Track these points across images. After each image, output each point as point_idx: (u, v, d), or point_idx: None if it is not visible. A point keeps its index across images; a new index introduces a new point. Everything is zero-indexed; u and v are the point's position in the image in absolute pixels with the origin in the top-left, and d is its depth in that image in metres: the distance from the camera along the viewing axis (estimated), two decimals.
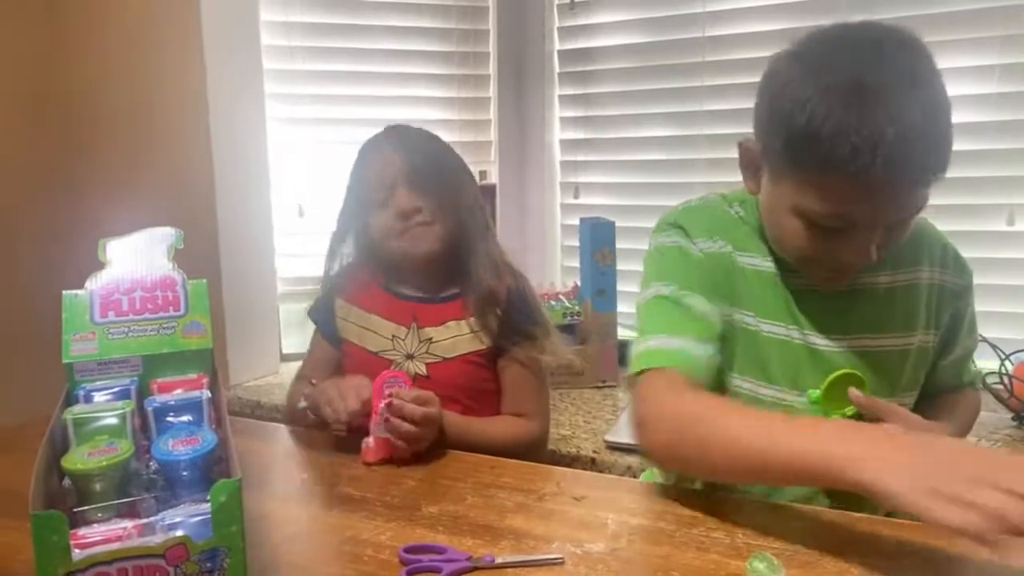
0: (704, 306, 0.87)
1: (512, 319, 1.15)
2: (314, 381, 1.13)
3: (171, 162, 1.72)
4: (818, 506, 0.86)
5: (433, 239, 1.13)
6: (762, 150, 0.87)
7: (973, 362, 1.07)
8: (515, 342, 1.16)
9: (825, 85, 0.76)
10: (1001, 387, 1.51)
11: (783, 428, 0.72)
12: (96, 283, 0.78)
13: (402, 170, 1.12)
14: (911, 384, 0.96)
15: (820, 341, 0.92)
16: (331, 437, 1.07)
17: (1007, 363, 1.53)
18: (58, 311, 0.76)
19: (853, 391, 0.85)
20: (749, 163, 0.90)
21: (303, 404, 1.10)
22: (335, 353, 1.23)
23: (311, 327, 1.28)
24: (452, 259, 1.16)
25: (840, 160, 0.74)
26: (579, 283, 1.99)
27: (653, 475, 1.10)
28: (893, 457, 0.63)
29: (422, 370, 1.14)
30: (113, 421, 0.67)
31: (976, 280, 1.77)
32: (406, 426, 0.97)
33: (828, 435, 0.68)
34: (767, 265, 0.93)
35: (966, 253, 1.74)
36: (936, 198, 1.90)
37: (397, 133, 1.18)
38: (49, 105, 1.66)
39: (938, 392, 1.02)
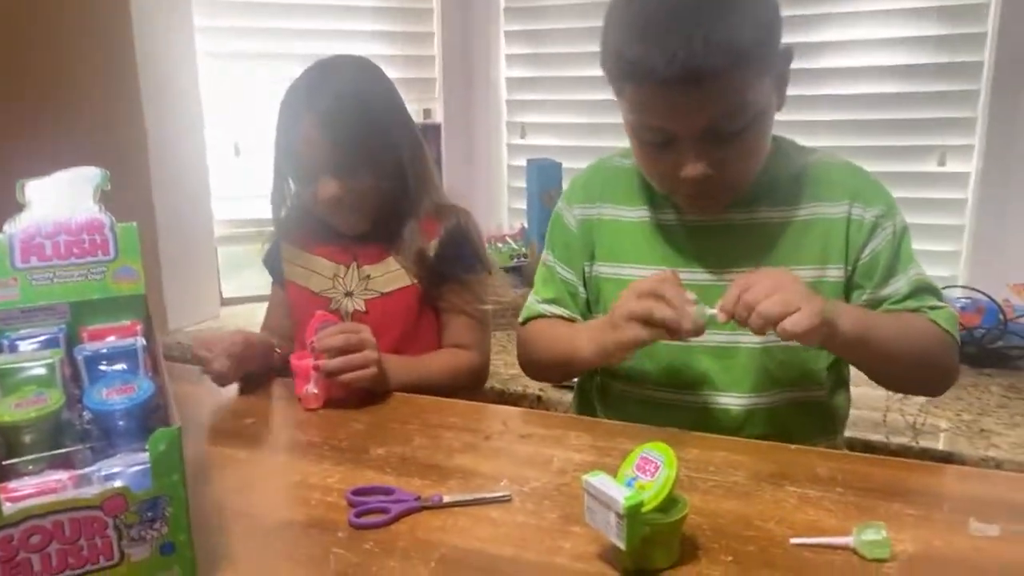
0: (568, 275, 1.05)
1: (445, 265, 1.14)
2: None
3: (96, 100, 1.63)
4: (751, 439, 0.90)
5: (359, 219, 1.13)
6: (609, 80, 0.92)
7: (934, 303, 0.95)
8: (450, 288, 1.16)
9: (627, 5, 0.85)
10: None
11: (574, 334, 0.97)
12: (15, 227, 0.74)
13: (327, 157, 1.06)
14: None
15: (694, 276, 0.95)
16: (278, 383, 1.06)
17: None
18: None
19: (717, 313, 0.81)
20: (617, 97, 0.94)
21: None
22: (286, 296, 1.23)
23: (251, 270, 1.26)
24: (387, 211, 1.14)
25: (641, 72, 0.82)
26: (526, 225, 1.99)
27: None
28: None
29: (360, 306, 1.14)
30: (41, 371, 0.65)
31: (907, 219, 1.83)
32: (333, 362, 0.97)
33: (590, 333, 0.92)
34: (641, 215, 1.00)
35: (897, 193, 1.79)
36: (869, 139, 1.94)
37: (321, 92, 1.07)
38: None
39: None
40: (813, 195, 0.96)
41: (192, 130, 1.85)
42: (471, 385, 1.16)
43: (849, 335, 0.83)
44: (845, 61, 1.81)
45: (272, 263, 1.25)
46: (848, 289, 0.96)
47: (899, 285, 0.95)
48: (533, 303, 1.08)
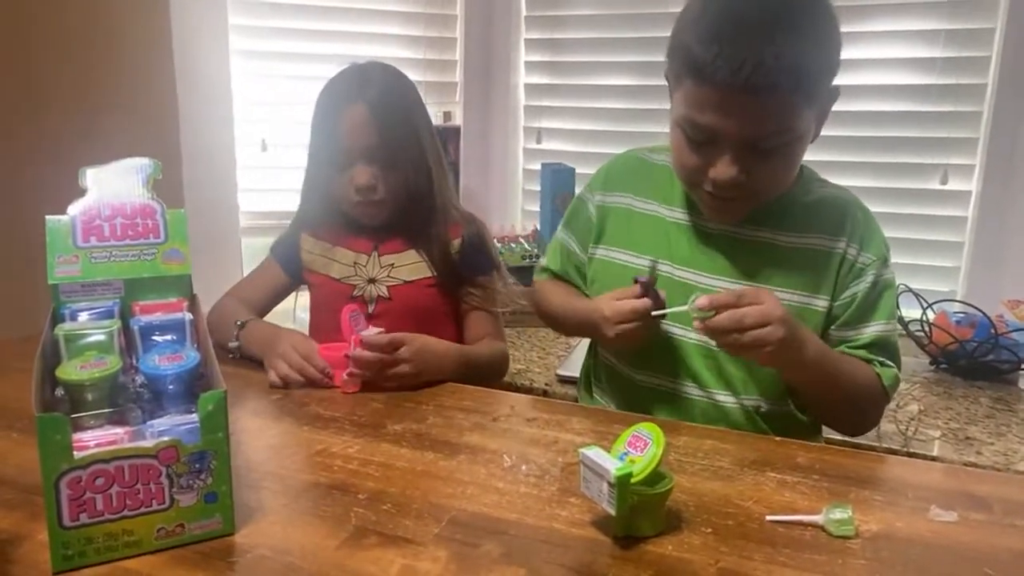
0: (577, 249, 1.17)
1: (465, 265, 1.23)
2: (240, 321, 1.17)
3: (135, 95, 1.71)
4: (744, 430, 0.97)
5: (384, 214, 1.20)
6: (667, 72, 0.98)
7: (888, 361, 1.00)
8: (469, 287, 1.24)
9: (706, 8, 0.90)
10: (922, 334, 1.64)
11: (571, 301, 1.12)
12: (77, 209, 0.81)
13: (366, 144, 1.14)
14: None
15: (692, 276, 1.02)
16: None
17: (929, 312, 1.66)
18: (24, 238, 0.79)
19: (700, 300, 0.88)
20: (670, 92, 1.00)
21: (235, 344, 1.15)
22: (285, 280, 1.30)
23: None
24: (410, 208, 1.21)
25: (706, 71, 0.86)
26: (539, 227, 2.06)
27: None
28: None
29: (384, 292, 1.21)
30: (101, 337, 0.72)
31: (908, 235, 1.89)
32: (368, 371, 1.02)
33: (585, 307, 1.06)
34: (655, 209, 1.08)
35: (900, 210, 1.85)
36: (874, 155, 2.00)
37: (368, 86, 1.15)
38: (7, 38, 1.62)
39: None
40: (818, 226, 1.00)
41: (222, 125, 1.93)
42: (503, 372, 1.25)
43: (809, 359, 0.90)
44: (853, 79, 1.87)
45: (288, 254, 1.29)
46: (828, 321, 1.00)
47: (863, 333, 1.00)
48: (541, 268, 1.24)
